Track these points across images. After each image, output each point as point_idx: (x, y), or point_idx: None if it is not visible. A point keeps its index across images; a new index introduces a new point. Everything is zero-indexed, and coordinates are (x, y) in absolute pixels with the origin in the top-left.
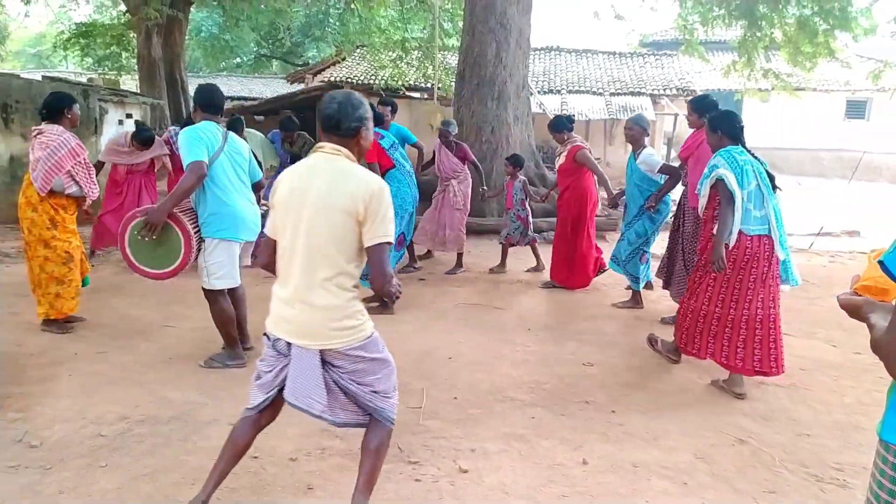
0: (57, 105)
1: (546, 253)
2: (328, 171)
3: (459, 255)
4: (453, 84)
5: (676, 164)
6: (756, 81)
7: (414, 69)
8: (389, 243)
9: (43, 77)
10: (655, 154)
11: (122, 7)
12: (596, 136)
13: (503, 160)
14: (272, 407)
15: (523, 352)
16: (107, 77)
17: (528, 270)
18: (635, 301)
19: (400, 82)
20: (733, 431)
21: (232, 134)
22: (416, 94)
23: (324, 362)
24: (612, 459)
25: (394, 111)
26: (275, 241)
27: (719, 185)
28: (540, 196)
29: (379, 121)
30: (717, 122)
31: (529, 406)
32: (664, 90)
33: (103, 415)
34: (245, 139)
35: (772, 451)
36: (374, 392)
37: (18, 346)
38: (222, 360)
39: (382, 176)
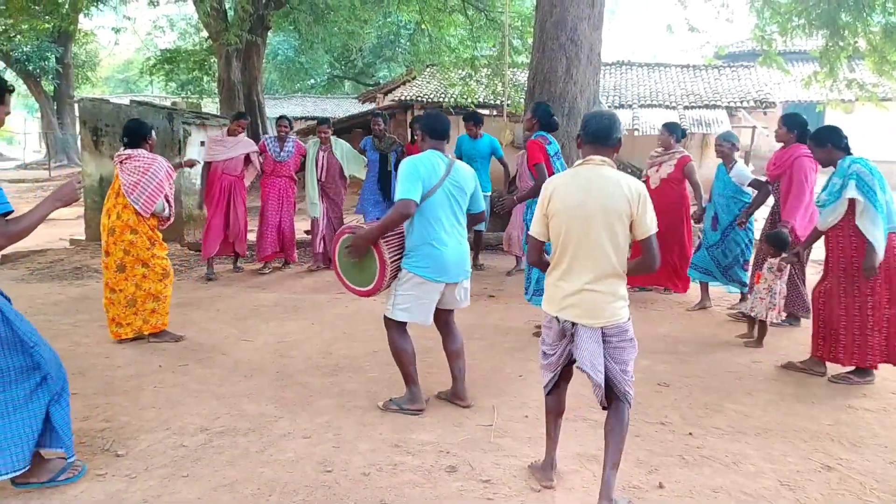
0: (140, 132)
1: None
2: (599, 179)
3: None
4: (522, 100)
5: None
6: (839, 92)
7: (483, 86)
8: (656, 233)
9: (130, 101)
10: (747, 169)
11: (205, 34)
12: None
13: None
14: (564, 374)
15: None
16: (189, 100)
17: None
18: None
19: (469, 100)
20: (820, 457)
21: (459, 164)
22: (486, 111)
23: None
24: (689, 484)
25: (478, 123)
26: (542, 242)
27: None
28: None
29: (552, 127)
30: (825, 136)
31: (602, 426)
32: (741, 102)
33: (185, 426)
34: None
35: (861, 479)
36: (624, 372)
37: (106, 359)
38: (399, 403)
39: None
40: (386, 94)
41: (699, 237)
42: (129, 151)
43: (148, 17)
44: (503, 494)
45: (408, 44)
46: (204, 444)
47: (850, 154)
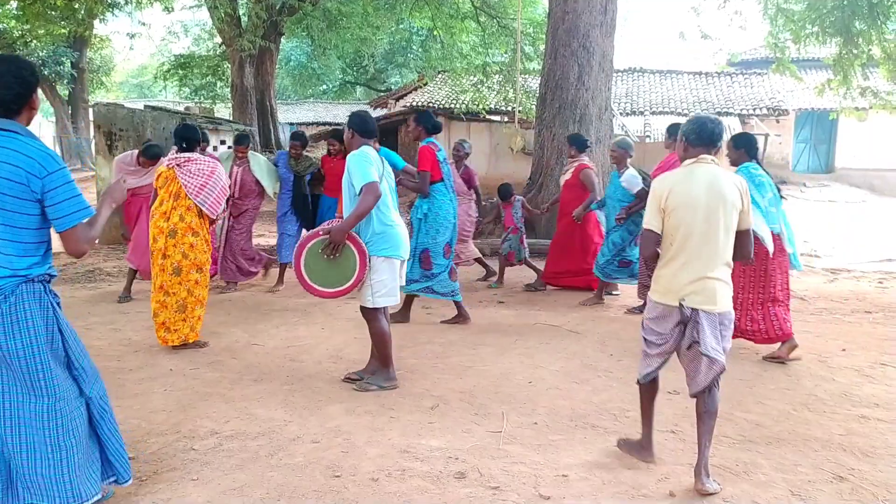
0: (196, 136)
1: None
2: (715, 176)
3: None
4: (534, 107)
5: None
6: (853, 100)
7: (495, 93)
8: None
9: (144, 106)
10: (638, 176)
11: (218, 39)
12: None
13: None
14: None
15: (606, 378)
16: (202, 105)
17: (528, 286)
18: (600, 294)
19: (481, 106)
20: (831, 467)
21: (384, 151)
22: (497, 118)
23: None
24: None
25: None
26: (658, 235)
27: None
28: (541, 209)
29: (437, 130)
30: (742, 141)
31: (613, 434)
32: (753, 110)
33: (196, 429)
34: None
35: (874, 490)
36: (722, 352)
37: (118, 362)
38: (377, 382)
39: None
40: (397, 99)
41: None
42: (187, 155)
43: (163, 23)
44: (512, 501)
45: (420, 50)
46: (214, 447)
47: (757, 160)
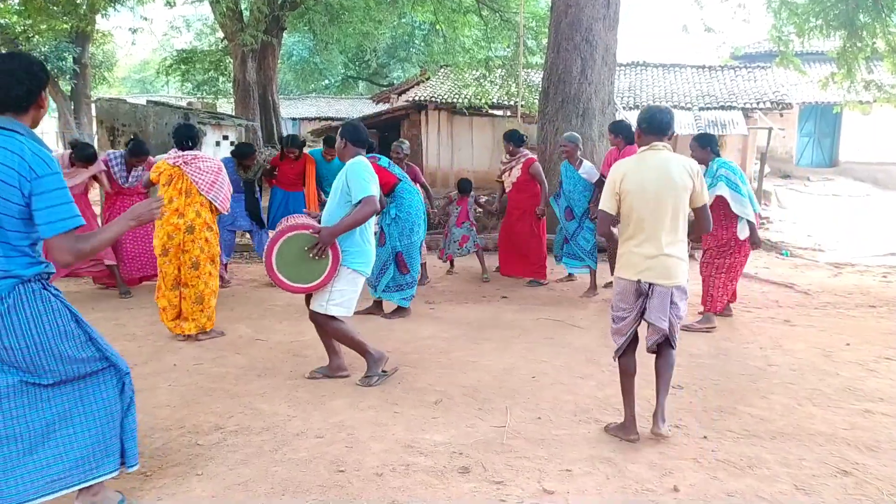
0: (196, 135)
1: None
2: (665, 160)
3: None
4: (537, 101)
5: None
6: (857, 93)
7: (497, 87)
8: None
9: (147, 102)
10: (594, 168)
11: (220, 34)
12: (684, 151)
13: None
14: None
15: (609, 372)
16: (205, 101)
17: (486, 278)
18: (594, 284)
19: (483, 100)
20: (836, 461)
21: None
22: (499, 112)
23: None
24: (704, 487)
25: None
26: (612, 215)
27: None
28: (492, 205)
29: (371, 148)
30: (705, 140)
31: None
32: (757, 104)
33: (200, 424)
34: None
35: (878, 484)
36: (679, 320)
37: (122, 357)
38: (373, 372)
39: (390, 193)
40: (400, 94)
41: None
42: (194, 153)
43: (165, 18)
44: (516, 496)
45: (422, 44)
46: (218, 442)
47: (718, 157)
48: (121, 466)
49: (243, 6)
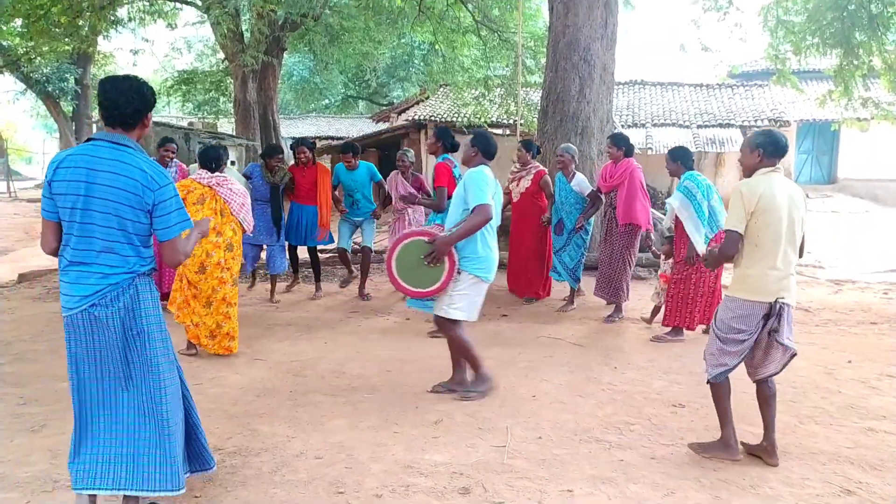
0: (222, 157)
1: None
2: (788, 185)
3: None
4: (535, 120)
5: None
6: (854, 111)
7: (496, 106)
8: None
9: None
10: (586, 180)
11: (221, 55)
12: None
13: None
14: None
15: (610, 391)
16: (206, 120)
17: None
18: (572, 299)
19: (482, 119)
20: (839, 481)
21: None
22: (499, 131)
23: None
24: None
25: (356, 154)
26: (742, 235)
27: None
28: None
29: (455, 149)
30: (679, 153)
31: (617, 448)
32: (755, 121)
33: None
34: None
35: None
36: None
37: None
38: (476, 388)
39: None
40: (399, 113)
41: None
42: (221, 175)
43: (166, 39)
44: None
45: (421, 64)
46: (217, 464)
47: (691, 171)
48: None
49: (244, 27)
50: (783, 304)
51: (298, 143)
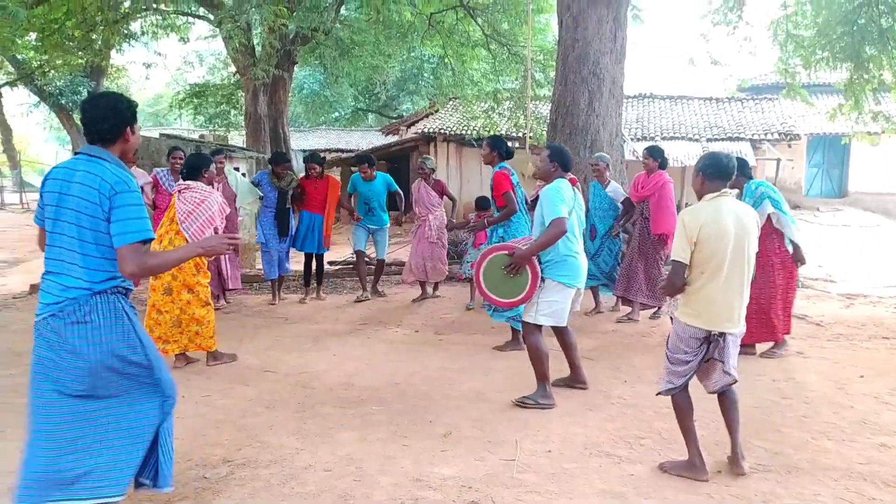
0: (198, 165)
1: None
2: (737, 209)
3: (423, 284)
4: (545, 133)
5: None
6: (865, 125)
7: (506, 119)
8: None
9: (160, 135)
10: (620, 187)
11: (233, 68)
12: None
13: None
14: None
15: (619, 405)
16: (217, 133)
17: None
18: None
19: (492, 132)
20: (852, 497)
21: (576, 189)
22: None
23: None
24: None
25: (371, 165)
26: (686, 265)
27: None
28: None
29: (510, 155)
30: (740, 165)
31: (627, 462)
32: (765, 135)
33: (207, 457)
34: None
35: None
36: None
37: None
38: (535, 398)
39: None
40: (409, 126)
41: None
42: (187, 182)
43: (178, 53)
44: None
45: (431, 77)
46: (226, 475)
47: (752, 179)
48: (154, 487)
49: (256, 41)
50: (722, 334)
51: (309, 159)
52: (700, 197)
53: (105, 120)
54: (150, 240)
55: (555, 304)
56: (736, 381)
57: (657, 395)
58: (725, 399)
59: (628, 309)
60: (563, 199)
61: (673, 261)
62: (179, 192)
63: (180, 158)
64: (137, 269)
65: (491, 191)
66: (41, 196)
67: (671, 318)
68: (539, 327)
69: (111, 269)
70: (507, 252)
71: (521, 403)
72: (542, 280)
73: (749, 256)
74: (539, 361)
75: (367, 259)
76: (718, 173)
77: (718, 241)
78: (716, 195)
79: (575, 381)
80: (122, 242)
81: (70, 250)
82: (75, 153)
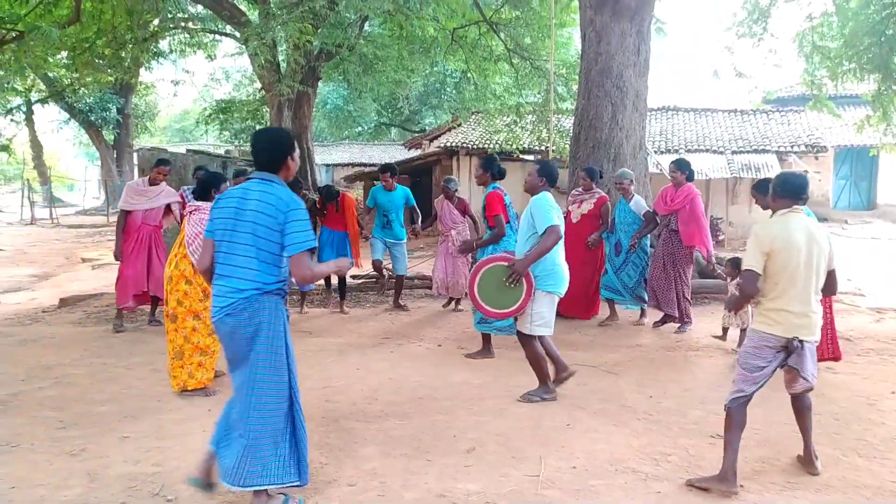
0: (208, 184)
1: None
2: (808, 225)
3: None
4: (567, 146)
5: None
6: (893, 136)
7: (528, 132)
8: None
9: (187, 150)
10: (643, 201)
11: (258, 85)
12: (717, 195)
13: None
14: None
15: (645, 420)
16: (242, 149)
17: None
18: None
19: (514, 146)
20: None
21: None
22: (530, 157)
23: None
24: None
25: (393, 174)
26: (759, 275)
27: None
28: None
29: (502, 176)
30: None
31: (653, 479)
32: (791, 147)
33: None
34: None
35: None
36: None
37: (158, 402)
38: (538, 394)
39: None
40: (432, 140)
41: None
42: (197, 203)
43: (206, 70)
44: None
45: (453, 91)
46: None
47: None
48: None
49: (281, 58)
50: (803, 340)
51: (325, 197)
52: (773, 213)
53: (268, 152)
54: (314, 249)
55: (546, 314)
56: (813, 388)
57: (725, 407)
58: (799, 402)
59: (658, 315)
60: (553, 208)
61: (745, 270)
62: (189, 213)
63: (164, 173)
64: (308, 272)
65: (483, 210)
66: (212, 211)
67: (723, 329)
68: (535, 337)
69: (277, 273)
70: (504, 263)
71: (527, 399)
72: (535, 291)
73: (818, 269)
74: (539, 366)
75: (385, 269)
76: (787, 191)
77: (790, 253)
78: (786, 211)
79: (561, 373)
80: (294, 251)
81: (245, 256)
82: (247, 177)
